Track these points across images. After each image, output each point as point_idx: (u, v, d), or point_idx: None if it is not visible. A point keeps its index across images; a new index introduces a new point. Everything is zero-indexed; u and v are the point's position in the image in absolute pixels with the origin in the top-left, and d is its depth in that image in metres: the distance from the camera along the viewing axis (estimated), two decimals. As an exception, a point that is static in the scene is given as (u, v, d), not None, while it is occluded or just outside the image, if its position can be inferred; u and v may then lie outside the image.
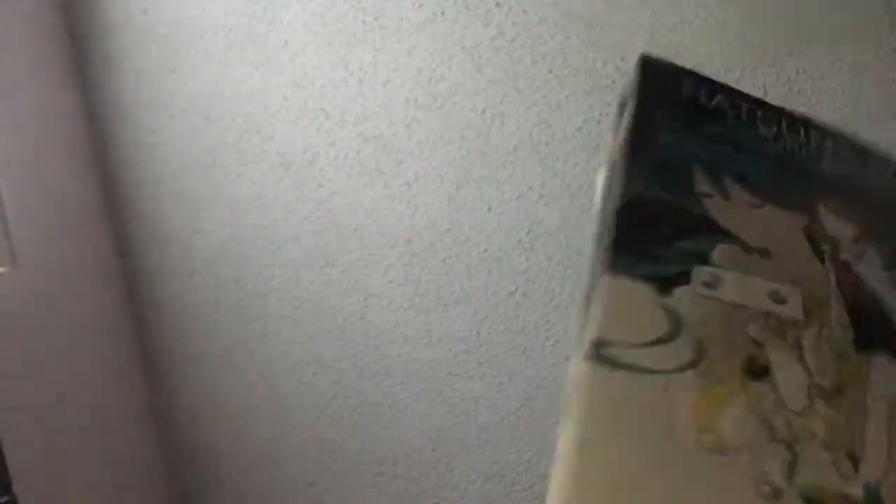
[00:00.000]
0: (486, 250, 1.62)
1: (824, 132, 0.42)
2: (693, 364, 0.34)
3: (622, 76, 1.44)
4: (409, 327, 1.73)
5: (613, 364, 0.34)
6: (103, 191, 2.03)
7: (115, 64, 1.93)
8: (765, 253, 0.38)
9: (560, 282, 1.57)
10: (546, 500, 0.32)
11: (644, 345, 0.34)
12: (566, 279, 1.57)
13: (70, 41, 1.98)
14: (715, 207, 0.38)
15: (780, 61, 1.33)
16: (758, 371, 0.35)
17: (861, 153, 0.43)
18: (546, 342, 1.62)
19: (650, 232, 0.38)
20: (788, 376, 0.35)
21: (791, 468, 0.33)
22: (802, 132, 0.42)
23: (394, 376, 1.78)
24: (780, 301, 0.36)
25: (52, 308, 1.90)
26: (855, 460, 0.34)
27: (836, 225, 0.40)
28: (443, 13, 1.55)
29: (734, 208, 0.39)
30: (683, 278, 0.36)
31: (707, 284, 0.36)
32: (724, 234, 0.38)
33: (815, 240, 0.39)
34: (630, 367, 0.34)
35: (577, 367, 0.35)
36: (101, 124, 2.00)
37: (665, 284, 0.36)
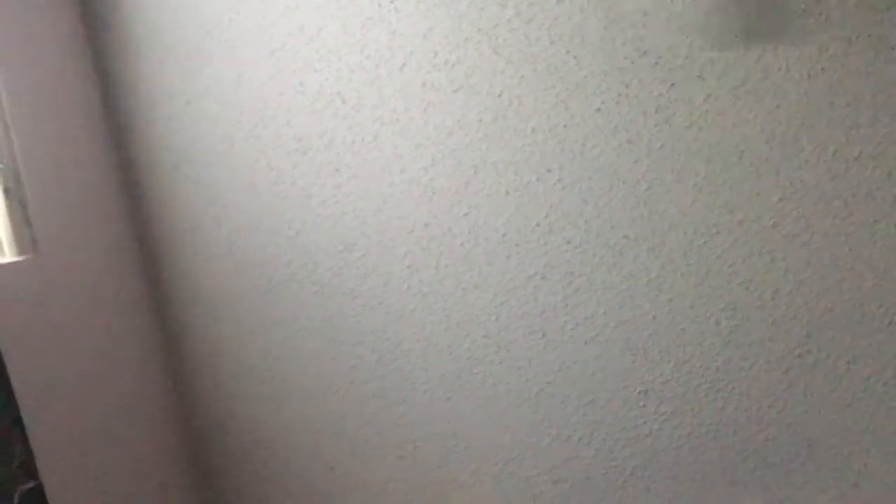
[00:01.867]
0: (504, 234, 1.61)
1: None
2: None
3: (641, 56, 1.42)
4: (428, 312, 1.73)
5: None
6: (122, 178, 2.04)
7: (131, 51, 1.94)
8: None
9: (579, 265, 1.56)
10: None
11: None
12: (585, 263, 1.56)
13: (87, 30, 1.98)
14: None
15: (802, 39, 1.31)
16: None
17: None
18: (565, 326, 1.61)
19: None
20: None
21: None
22: None
23: (413, 361, 1.78)
24: None
25: (74, 295, 1.92)
26: None
27: None
28: (459, -5, 1.54)
29: None
30: None
31: None
32: None
33: None
34: None
35: None
36: (119, 112, 2.01)
37: None
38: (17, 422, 1.73)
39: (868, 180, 1.33)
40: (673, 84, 1.41)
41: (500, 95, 1.55)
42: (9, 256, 1.84)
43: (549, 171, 1.54)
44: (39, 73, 1.88)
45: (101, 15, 1.96)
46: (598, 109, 1.48)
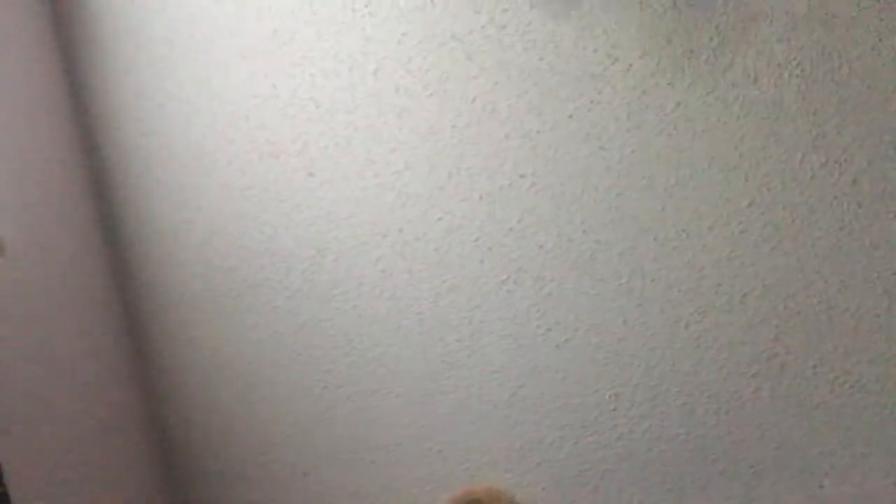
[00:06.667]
0: (477, 239, 1.62)
1: None
2: None
3: (613, 63, 1.44)
4: (401, 316, 1.73)
5: None
6: (91, 181, 2.02)
7: (102, 53, 1.92)
8: None
9: (552, 270, 1.58)
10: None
11: None
12: (557, 267, 1.57)
13: (56, 30, 1.96)
14: None
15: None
16: None
17: None
18: (538, 330, 1.62)
19: None
20: None
21: None
22: None
23: (386, 365, 1.78)
24: None
25: (42, 299, 1.89)
26: None
27: None
28: (433, 0, 1.54)
29: None
30: None
31: None
32: None
33: None
34: None
35: None
36: (89, 114, 1.99)
37: None
38: (-16, 428, 1.71)
39: (834, 187, 1.35)
40: (644, 91, 1.43)
41: (473, 101, 1.56)
42: (-24, 260, 1.81)
43: (521, 176, 1.55)
44: (5, 74, 1.86)
45: (71, 15, 1.94)
46: (571, 116, 1.49)
